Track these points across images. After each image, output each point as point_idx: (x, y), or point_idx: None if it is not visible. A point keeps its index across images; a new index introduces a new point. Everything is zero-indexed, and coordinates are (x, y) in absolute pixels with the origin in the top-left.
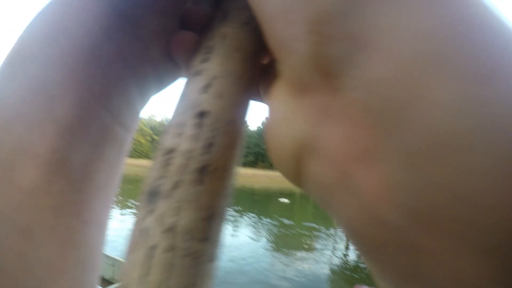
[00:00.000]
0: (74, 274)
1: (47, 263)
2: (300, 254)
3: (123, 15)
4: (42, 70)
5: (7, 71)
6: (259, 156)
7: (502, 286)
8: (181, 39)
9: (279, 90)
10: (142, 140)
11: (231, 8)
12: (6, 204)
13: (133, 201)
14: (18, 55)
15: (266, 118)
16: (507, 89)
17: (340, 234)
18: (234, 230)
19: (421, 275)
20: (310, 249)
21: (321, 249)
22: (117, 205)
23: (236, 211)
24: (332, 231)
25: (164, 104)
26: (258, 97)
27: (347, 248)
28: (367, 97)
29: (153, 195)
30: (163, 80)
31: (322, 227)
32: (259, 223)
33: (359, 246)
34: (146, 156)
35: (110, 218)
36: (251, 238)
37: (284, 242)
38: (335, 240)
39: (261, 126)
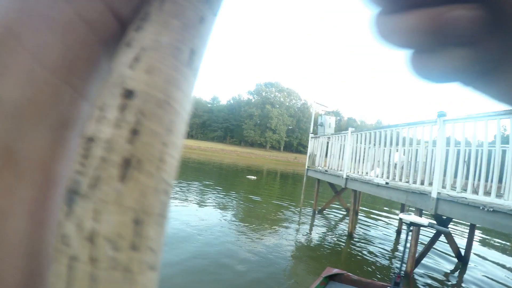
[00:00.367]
0: None
1: None
2: (266, 230)
3: None
4: None
5: None
6: (228, 131)
7: None
8: None
9: None
10: None
11: None
12: None
13: None
14: None
15: None
16: None
17: (305, 213)
18: (200, 204)
19: None
20: (276, 225)
21: (287, 226)
22: None
23: (205, 185)
24: (298, 209)
25: None
26: None
27: (311, 228)
28: None
29: (71, 194)
30: None
31: (287, 204)
32: (226, 197)
33: None
34: None
35: None
36: (220, 213)
37: (251, 217)
38: (299, 218)
39: (231, 101)
